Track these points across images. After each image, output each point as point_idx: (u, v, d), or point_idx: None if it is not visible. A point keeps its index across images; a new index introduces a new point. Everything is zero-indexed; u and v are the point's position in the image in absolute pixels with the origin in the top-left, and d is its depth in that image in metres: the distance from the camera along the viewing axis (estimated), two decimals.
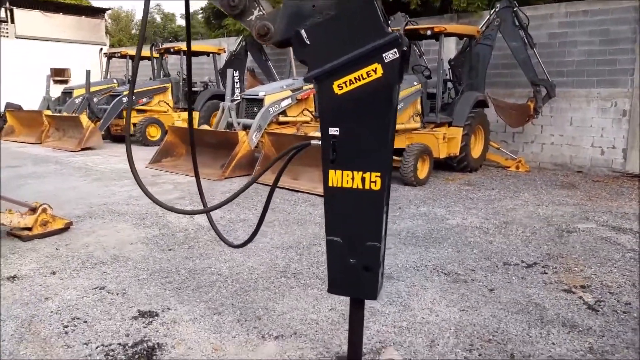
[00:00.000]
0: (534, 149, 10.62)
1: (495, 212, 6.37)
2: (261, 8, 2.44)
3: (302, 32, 2.38)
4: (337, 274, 2.62)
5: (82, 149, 11.52)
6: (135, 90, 12.68)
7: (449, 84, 10.06)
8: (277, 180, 2.82)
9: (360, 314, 2.68)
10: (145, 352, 2.91)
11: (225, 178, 8.09)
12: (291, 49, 2.57)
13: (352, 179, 2.48)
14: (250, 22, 2.45)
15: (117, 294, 3.72)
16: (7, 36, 20.80)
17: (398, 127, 8.27)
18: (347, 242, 2.55)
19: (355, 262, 2.54)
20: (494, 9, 9.61)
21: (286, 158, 2.79)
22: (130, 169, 2.98)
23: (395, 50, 2.31)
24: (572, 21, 9.84)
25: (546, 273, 4.29)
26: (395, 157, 8.16)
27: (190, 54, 3.16)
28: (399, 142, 8.49)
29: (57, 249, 4.69)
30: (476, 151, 9.58)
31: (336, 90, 2.42)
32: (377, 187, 2.45)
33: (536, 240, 5.22)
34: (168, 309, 3.49)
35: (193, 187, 7.44)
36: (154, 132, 12.73)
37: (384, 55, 2.33)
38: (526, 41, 9.46)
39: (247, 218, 5.89)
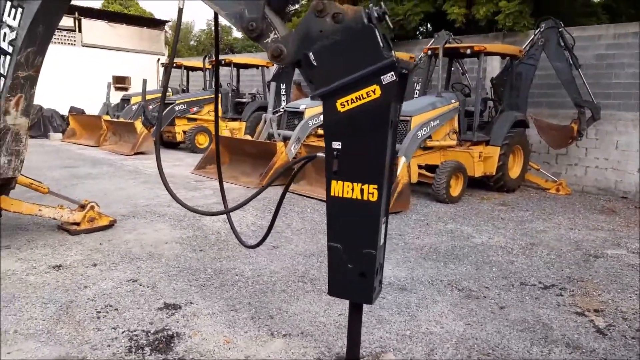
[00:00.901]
0: (577, 171, 10.40)
1: (524, 233, 6.37)
2: (277, 32, 2.71)
3: (310, 54, 2.64)
4: (336, 278, 2.83)
5: (135, 153, 12.22)
6: (187, 100, 13.37)
7: (490, 103, 10.07)
8: (287, 187, 3.09)
9: (358, 316, 2.87)
10: (164, 339, 3.21)
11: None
12: None
13: (352, 189, 2.71)
14: (267, 44, 2.72)
15: (148, 287, 4.07)
16: (74, 44, 22.29)
17: (433, 144, 8.41)
18: (346, 248, 2.77)
19: (352, 267, 2.75)
20: (538, 29, 9.57)
21: (295, 168, 3.06)
22: (158, 172, 3.41)
23: (392, 73, 2.52)
24: (621, 43, 9.64)
25: (562, 295, 4.32)
26: (428, 174, 8.28)
27: (218, 65, 3.50)
28: (434, 159, 8.60)
29: (100, 243, 5.13)
30: (514, 171, 9.51)
31: (339, 107, 2.67)
32: (374, 198, 2.66)
33: (559, 263, 5.22)
34: (191, 303, 3.80)
35: (230, 194, 7.82)
36: (202, 140, 13.33)
37: (382, 77, 2.56)
38: (571, 62, 9.34)
39: (276, 225, 6.15)
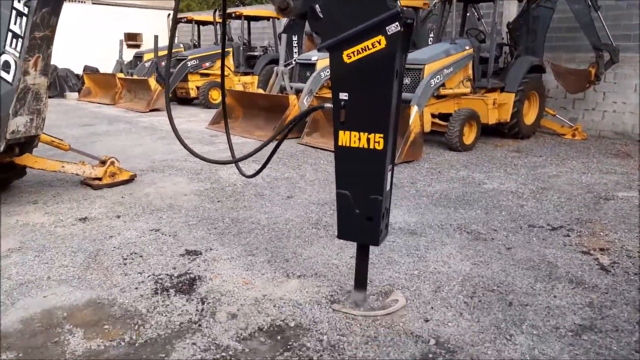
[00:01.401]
0: (594, 116, 10.28)
1: (536, 178, 6.43)
2: None
3: (317, 7, 2.70)
4: (345, 222, 2.98)
5: (151, 110, 12.39)
6: (199, 55, 13.35)
7: (506, 48, 9.89)
8: (286, 133, 3.22)
9: (365, 257, 3.04)
10: (187, 282, 3.43)
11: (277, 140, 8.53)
12: None
13: (359, 139, 2.81)
14: None
15: (170, 236, 4.29)
16: (85, 2, 22.10)
17: (447, 92, 8.37)
18: (354, 195, 2.90)
19: (360, 212, 2.89)
20: None
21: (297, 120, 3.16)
22: (170, 125, 3.63)
23: (397, 23, 2.57)
24: None
25: (569, 236, 4.43)
26: (441, 122, 8.28)
27: (225, 19, 3.57)
28: (447, 107, 8.58)
29: (122, 197, 5.35)
30: (529, 118, 9.45)
31: (345, 59, 2.74)
32: (380, 147, 2.77)
33: (569, 206, 5.30)
34: (210, 249, 4.01)
35: (245, 148, 7.97)
36: (216, 95, 13.39)
37: (387, 28, 2.61)
38: (590, 3, 9.05)
39: (290, 177, 6.33)
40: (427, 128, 8.01)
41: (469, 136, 8.30)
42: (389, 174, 2.92)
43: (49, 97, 14.30)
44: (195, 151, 3.80)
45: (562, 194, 5.74)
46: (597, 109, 10.23)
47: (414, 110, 7.17)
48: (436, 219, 4.80)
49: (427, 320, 2.98)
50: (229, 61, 14.10)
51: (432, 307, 3.13)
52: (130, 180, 5.85)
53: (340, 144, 2.88)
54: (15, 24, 3.82)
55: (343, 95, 2.81)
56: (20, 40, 3.85)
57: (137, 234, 4.31)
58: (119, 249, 4.00)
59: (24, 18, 3.79)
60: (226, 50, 13.86)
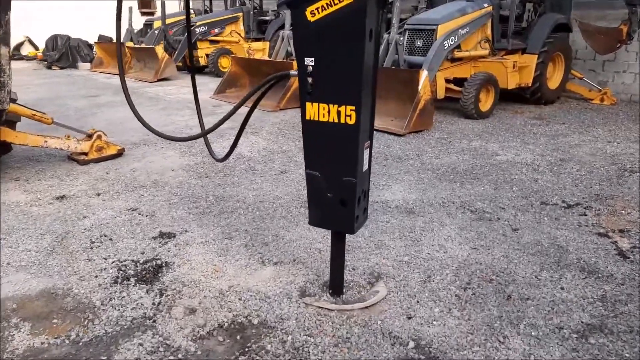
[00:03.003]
0: (625, 79, 9.52)
1: (555, 149, 5.90)
2: None
3: None
4: (316, 207, 2.63)
5: (158, 80, 12.07)
6: (207, 21, 12.88)
7: (529, 6, 9.14)
8: (242, 102, 2.88)
9: (341, 246, 2.69)
10: (152, 269, 3.14)
11: (280, 109, 8.15)
12: None
13: (328, 112, 2.42)
14: None
15: (146, 216, 4.00)
16: None
17: (462, 54, 7.78)
18: (325, 176, 2.53)
19: (332, 196, 2.52)
20: None
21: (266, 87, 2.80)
22: (125, 97, 3.33)
23: None
24: None
25: (585, 215, 3.97)
26: (456, 88, 7.73)
27: None
28: (463, 72, 8.00)
29: (107, 172, 5.09)
30: (553, 81, 8.79)
31: (309, 17, 2.32)
32: (352, 121, 2.37)
33: (589, 179, 4.80)
34: (186, 231, 3.71)
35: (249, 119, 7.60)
36: (225, 63, 12.94)
37: None
38: None
39: (288, 149, 5.95)
40: (441, 94, 7.49)
41: (486, 102, 7.74)
42: (365, 152, 2.53)
43: (61, 68, 14.12)
44: (154, 128, 3.53)
45: (583, 166, 5.22)
46: (628, 71, 9.46)
47: (424, 75, 6.64)
48: (438, 196, 4.39)
49: (409, 317, 2.63)
50: (239, 26, 13.61)
51: (417, 301, 2.77)
52: (119, 154, 5.58)
53: (307, 117, 2.49)
54: None
55: (309, 61, 2.40)
56: None
57: (112, 214, 4.04)
58: (90, 230, 3.73)
59: None
60: (236, 15, 13.38)
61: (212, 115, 7.72)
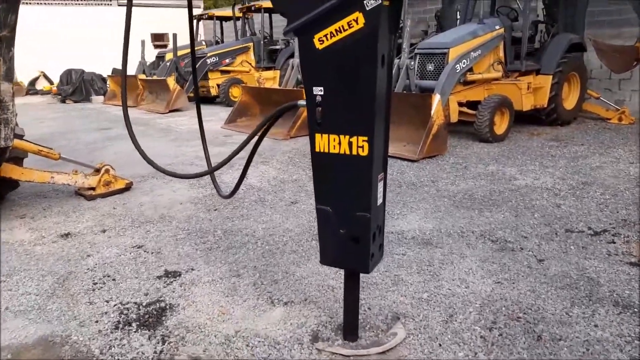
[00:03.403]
0: None
1: (576, 171, 5.67)
2: None
3: None
4: (328, 244, 2.46)
5: (170, 111, 12.11)
6: (218, 52, 12.95)
7: (541, 26, 9.03)
8: (248, 140, 2.74)
9: (355, 286, 2.50)
10: (155, 313, 2.97)
11: (291, 137, 8.05)
12: None
13: (339, 143, 2.27)
14: None
15: (152, 253, 3.85)
16: (110, 4, 22.20)
17: (475, 77, 7.65)
18: (337, 211, 2.37)
19: (344, 233, 2.35)
20: None
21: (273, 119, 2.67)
22: (127, 130, 3.24)
23: None
24: None
25: (614, 242, 3.73)
26: (469, 111, 7.58)
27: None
28: (476, 95, 7.86)
29: (114, 207, 4.98)
30: (569, 102, 8.60)
31: (317, 44, 2.20)
32: (364, 152, 2.22)
33: (615, 204, 4.56)
34: (192, 269, 3.54)
35: (260, 148, 7.50)
36: (236, 93, 12.96)
37: (364, 2, 2.04)
38: None
39: (299, 178, 5.81)
40: (454, 118, 7.33)
41: (501, 125, 7.55)
42: (379, 184, 2.37)
43: (75, 102, 14.25)
44: (158, 165, 3.44)
45: (606, 189, 4.99)
46: None
47: (436, 99, 6.50)
48: (456, 225, 4.18)
49: None
50: (250, 56, 13.69)
51: (440, 344, 2.55)
52: (127, 188, 5.48)
53: (317, 149, 2.34)
54: None
55: (317, 90, 2.26)
56: None
57: (117, 252, 3.89)
58: (93, 270, 3.59)
59: None
60: (247, 45, 13.46)
61: (223, 146, 7.64)
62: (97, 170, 5.36)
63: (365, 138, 2.20)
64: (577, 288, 3.09)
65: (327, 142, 2.30)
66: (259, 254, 3.77)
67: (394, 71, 7.55)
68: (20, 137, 4.90)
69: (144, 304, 3.08)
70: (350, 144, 2.24)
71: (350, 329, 2.58)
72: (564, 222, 4.17)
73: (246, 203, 4.95)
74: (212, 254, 3.79)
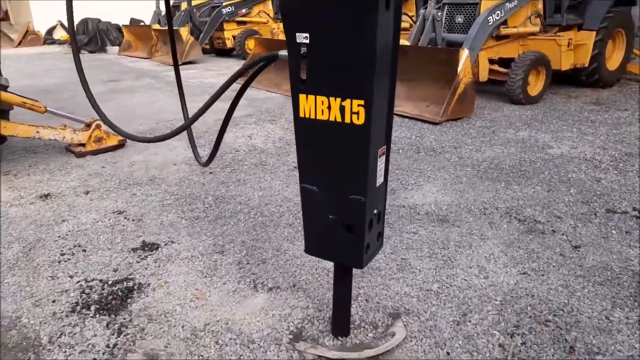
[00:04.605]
0: None
1: (619, 140, 5.02)
2: None
3: None
4: (314, 231, 1.99)
5: (183, 63, 11.58)
6: (234, 1, 12.19)
7: None
8: (226, 86, 2.23)
9: (346, 281, 2.04)
10: (120, 294, 2.58)
11: None
12: None
13: (329, 108, 1.76)
14: None
15: (133, 220, 3.45)
16: None
17: (509, 31, 6.89)
18: (325, 192, 1.88)
19: (335, 219, 1.87)
20: None
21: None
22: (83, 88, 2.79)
23: None
24: None
25: None
26: (501, 69, 6.88)
27: None
28: (510, 51, 7.10)
29: (103, 166, 4.58)
30: (613, 62, 7.76)
31: None
32: (360, 120, 1.71)
33: None
34: (172, 242, 3.13)
35: (267, 104, 7.01)
36: (252, 45, 12.35)
37: None
38: None
39: None
40: (484, 77, 6.64)
41: (536, 86, 6.83)
42: (379, 161, 1.86)
43: (90, 52, 13.80)
44: (118, 127, 2.97)
45: None
46: None
47: (464, 55, 5.83)
48: (479, 199, 3.66)
49: None
50: (268, 6, 12.95)
51: (447, 353, 2.10)
52: (120, 146, 5.07)
53: (301, 114, 1.84)
54: None
55: (301, 38, 1.73)
56: None
57: (95, 218, 3.51)
58: (64, 238, 3.21)
59: None
60: None
61: (229, 101, 7.13)
62: (88, 125, 4.95)
63: (362, 102, 1.68)
64: (620, 285, 2.57)
65: (313, 106, 1.79)
66: (250, 226, 3.33)
67: (418, 23, 6.88)
68: (5, 88, 4.50)
69: (110, 282, 2.69)
70: (342, 109, 1.73)
71: (339, 326, 2.14)
72: (605, 201, 3.60)
73: (245, 166, 4.50)
74: (197, 225, 3.36)
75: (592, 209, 3.48)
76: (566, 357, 2.06)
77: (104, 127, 4.99)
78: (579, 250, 2.92)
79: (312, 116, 1.80)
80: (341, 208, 1.85)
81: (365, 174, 1.76)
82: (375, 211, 1.89)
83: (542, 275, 2.67)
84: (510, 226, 3.24)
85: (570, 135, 5.28)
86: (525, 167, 4.33)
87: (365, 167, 1.76)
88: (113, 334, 2.25)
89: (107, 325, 2.32)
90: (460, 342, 2.16)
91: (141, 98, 7.84)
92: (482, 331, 2.23)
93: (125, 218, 3.50)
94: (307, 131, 1.84)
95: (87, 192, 3.98)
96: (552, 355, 2.07)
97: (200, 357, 2.09)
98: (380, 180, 1.89)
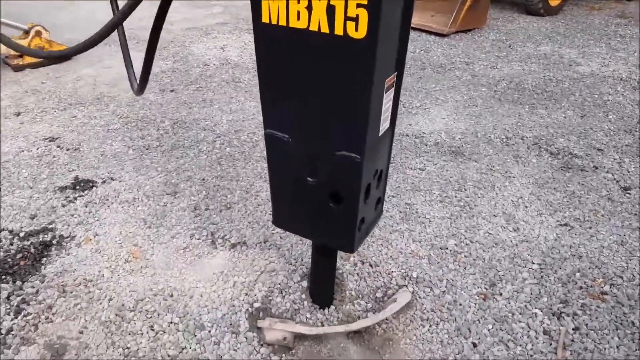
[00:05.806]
0: None
1: None
2: None
3: None
4: (285, 199, 1.29)
5: None
6: None
7: None
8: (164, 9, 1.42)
9: (329, 263, 1.38)
10: (33, 251, 1.93)
11: None
12: None
13: (309, 8, 1.00)
14: None
15: (67, 150, 2.75)
16: None
17: None
18: (302, 145, 1.16)
19: (316, 183, 1.17)
20: None
21: None
22: None
23: None
24: None
25: None
26: None
27: None
28: None
29: (42, 82, 3.78)
30: None
31: None
32: (359, 32, 0.95)
33: None
34: (112, 179, 2.45)
35: (247, 11, 6.04)
36: None
37: None
38: None
39: None
40: None
41: None
42: (386, 97, 1.13)
43: None
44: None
45: None
46: None
47: None
48: (499, 127, 2.97)
49: None
50: None
51: (474, 344, 1.50)
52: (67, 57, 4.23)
53: (264, 19, 1.08)
54: None
55: None
56: None
57: (22, 146, 2.79)
58: None
59: None
60: None
61: (203, 8, 6.17)
62: (27, 32, 4.08)
63: (364, 2, 0.93)
64: None
65: (283, 5, 1.03)
66: (213, 159, 2.64)
67: None
68: None
69: (22, 234, 2.03)
70: (330, 10, 0.98)
71: (319, 295, 1.53)
72: None
73: (214, 84, 3.72)
74: (147, 156, 2.67)
75: (637, 139, 2.82)
76: (630, 344, 1.48)
77: (46, 34, 4.13)
78: (629, 193, 2.29)
79: (282, 22, 1.05)
80: (325, 169, 1.16)
81: (364, 118, 1.05)
82: (375, 171, 1.20)
83: (590, 227, 2.05)
84: (541, 160, 2.59)
85: (599, 51, 4.50)
86: (552, 87, 3.61)
87: (365, 107, 1.04)
88: (9, 312, 1.62)
89: (7, 299, 1.69)
90: (490, 327, 1.56)
91: (102, 4, 6.81)
92: (519, 309, 1.63)
93: (58, 147, 2.78)
94: (273, 47, 1.10)
95: (18, 114, 3.23)
96: (617, 348, 1.49)
97: (126, 348, 1.48)
98: (385, 125, 1.18)
